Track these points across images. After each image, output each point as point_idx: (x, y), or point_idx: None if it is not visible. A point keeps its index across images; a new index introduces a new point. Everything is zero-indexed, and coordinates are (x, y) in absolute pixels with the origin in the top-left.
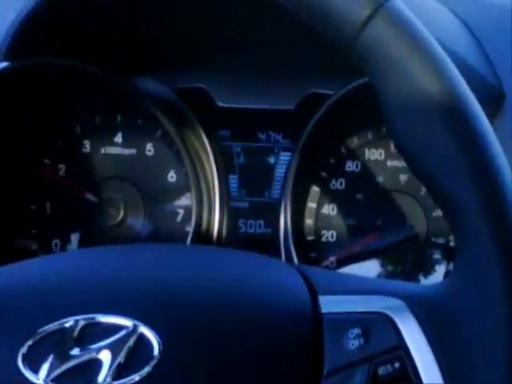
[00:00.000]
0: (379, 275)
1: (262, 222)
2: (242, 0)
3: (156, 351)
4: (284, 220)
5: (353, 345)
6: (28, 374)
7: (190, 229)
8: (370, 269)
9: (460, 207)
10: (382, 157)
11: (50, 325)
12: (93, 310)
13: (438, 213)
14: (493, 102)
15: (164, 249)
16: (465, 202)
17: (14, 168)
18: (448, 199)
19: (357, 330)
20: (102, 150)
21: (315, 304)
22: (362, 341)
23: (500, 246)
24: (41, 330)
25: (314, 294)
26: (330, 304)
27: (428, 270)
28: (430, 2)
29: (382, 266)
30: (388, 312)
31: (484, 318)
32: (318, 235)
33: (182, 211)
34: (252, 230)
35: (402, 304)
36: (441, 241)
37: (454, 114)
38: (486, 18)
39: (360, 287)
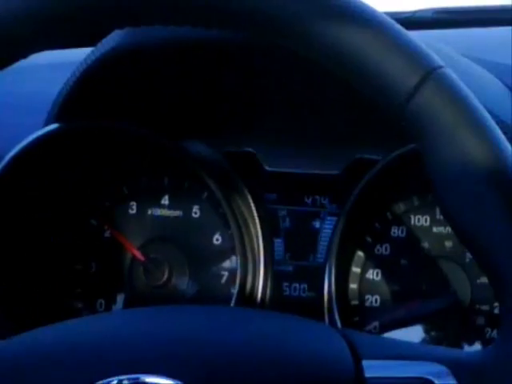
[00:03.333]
0: (422, 341)
1: (306, 286)
2: (291, 66)
3: None
4: (328, 284)
5: None
6: None
7: (235, 291)
8: (413, 335)
9: (507, 279)
10: (428, 223)
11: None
12: (137, 370)
13: (483, 280)
14: None
15: (209, 311)
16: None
17: (61, 228)
18: (495, 269)
19: None
20: (149, 212)
21: (359, 368)
22: None
23: None
24: None
25: (357, 359)
26: (373, 368)
27: (472, 337)
28: (475, 68)
29: (426, 332)
30: (431, 378)
31: None
32: (362, 300)
33: (226, 273)
34: (296, 294)
35: (446, 370)
36: (485, 308)
37: (503, 185)
38: None
39: (404, 352)
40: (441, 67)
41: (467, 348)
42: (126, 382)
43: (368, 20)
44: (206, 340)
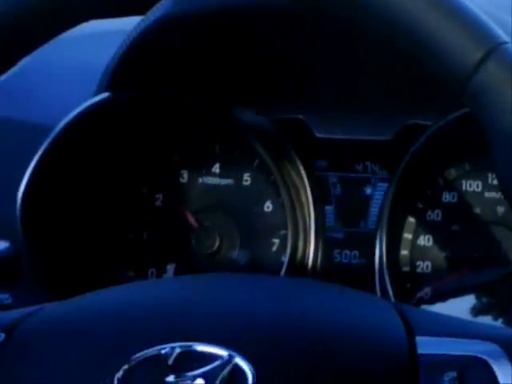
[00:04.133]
0: (474, 310)
1: (357, 253)
2: (342, 32)
3: (250, 382)
4: (379, 251)
5: None
6: None
7: (285, 259)
8: (465, 303)
9: None
10: (480, 188)
11: (146, 350)
12: (189, 337)
13: None
14: None
15: (261, 280)
16: None
17: (112, 196)
18: None
19: (452, 374)
20: (200, 180)
21: (412, 344)
22: None
23: None
24: (137, 355)
25: (411, 334)
26: (426, 345)
27: None
28: None
29: (478, 300)
30: (485, 357)
31: None
32: (414, 266)
33: (277, 241)
34: (347, 261)
35: (500, 350)
36: None
37: None
38: None
39: (458, 330)
40: (506, 43)
41: None
42: (178, 349)
43: None
44: (257, 310)
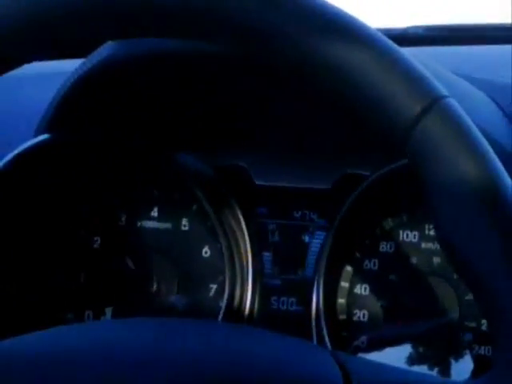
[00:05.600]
0: (410, 360)
1: (294, 300)
2: (283, 81)
3: None
4: (316, 298)
5: None
6: None
7: (223, 304)
8: (400, 353)
9: (496, 304)
10: (416, 239)
11: None
12: (117, 381)
13: (471, 297)
14: None
15: (198, 326)
16: (502, 298)
17: (49, 238)
18: (483, 289)
19: None
20: (138, 224)
21: None
22: None
23: None
24: None
25: (348, 382)
26: None
27: (460, 354)
28: (470, 88)
29: (413, 349)
30: None
31: None
32: (350, 314)
33: (215, 286)
34: (284, 308)
35: None
36: (473, 324)
37: (497, 208)
38: None
39: (395, 379)
40: (446, 97)
41: (455, 366)
42: None
43: (373, 44)
44: (190, 354)
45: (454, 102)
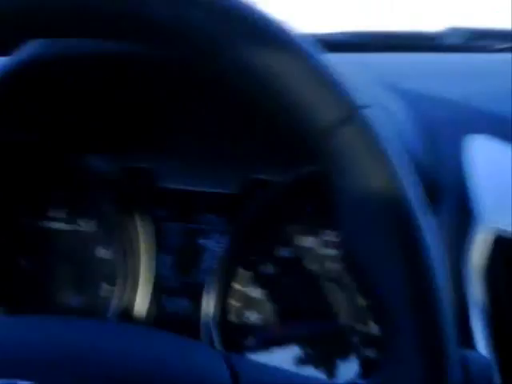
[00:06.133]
0: (299, 360)
1: (186, 302)
2: (194, 83)
3: None
4: (207, 301)
5: None
6: None
7: (116, 304)
8: (290, 353)
9: (391, 317)
10: (314, 244)
11: None
12: (15, 375)
13: (361, 301)
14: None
15: (86, 324)
16: (395, 312)
17: None
18: (377, 296)
19: None
20: (36, 223)
21: None
22: None
23: (424, 358)
24: None
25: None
26: None
27: (347, 356)
28: (391, 98)
29: (303, 350)
30: None
31: None
32: (242, 317)
33: (107, 287)
34: (176, 310)
35: None
36: (362, 328)
37: (400, 223)
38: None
39: (283, 381)
40: (364, 107)
41: (343, 367)
42: None
43: (292, 48)
44: (75, 354)
45: (369, 114)
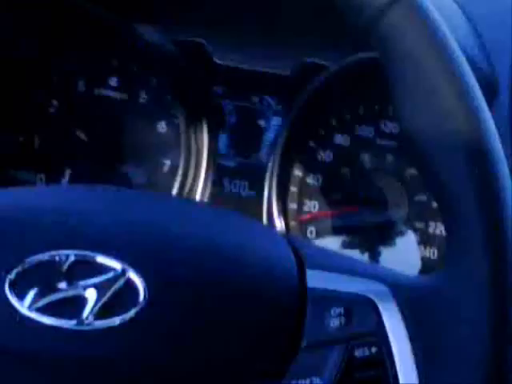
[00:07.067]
0: (356, 252)
1: (246, 184)
2: None
3: (141, 298)
4: (269, 185)
5: (333, 323)
6: (13, 301)
7: (176, 181)
8: (348, 244)
9: (454, 200)
10: (372, 134)
11: (40, 255)
12: (85, 247)
13: (421, 197)
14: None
15: (158, 198)
16: (459, 195)
17: (6, 99)
18: (442, 190)
19: (339, 310)
20: (96, 91)
21: (302, 277)
22: (342, 320)
23: (491, 252)
24: (31, 258)
25: (301, 267)
26: (316, 279)
27: (404, 253)
28: None
29: (360, 242)
30: (372, 296)
31: (467, 322)
32: (301, 204)
33: (169, 162)
34: (236, 190)
35: (388, 291)
36: (420, 225)
37: (458, 107)
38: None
39: (349, 267)
40: None
41: (400, 264)
42: (72, 257)
43: None
44: (154, 227)
45: None
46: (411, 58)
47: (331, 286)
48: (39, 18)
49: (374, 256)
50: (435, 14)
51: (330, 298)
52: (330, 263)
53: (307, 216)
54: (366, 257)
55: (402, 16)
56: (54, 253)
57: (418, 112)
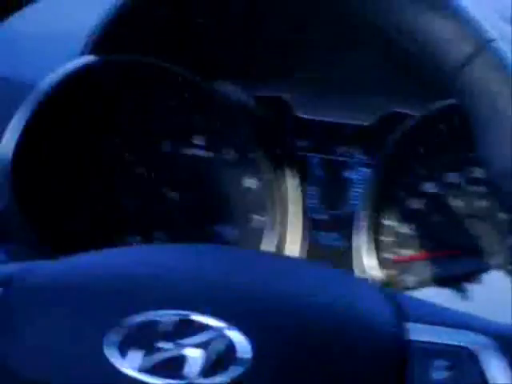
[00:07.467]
0: (454, 300)
1: (338, 236)
2: (332, 14)
3: (245, 356)
4: (360, 235)
5: (437, 376)
6: (115, 362)
7: (266, 237)
8: (445, 293)
9: None
10: (461, 180)
11: (142, 315)
12: (186, 306)
13: None
14: None
15: (253, 255)
16: None
17: (94, 161)
18: None
19: (442, 362)
20: (182, 151)
21: (404, 330)
22: (446, 373)
23: None
24: (132, 318)
25: (403, 320)
26: (418, 332)
27: (503, 298)
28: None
29: (458, 291)
30: (476, 348)
31: None
32: (394, 253)
33: (258, 218)
34: (328, 243)
35: (492, 343)
36: None
37: None
38: None
39: (450, 319)
40: (493, 40)
41: (496, 310)
42: (174, 317)
43: None
44: (253, 284)
45: (500, 46)
46: (494, 107)
47: (434, 339)
48: (127, 84)
49: (473, 304)
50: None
51: (433, 351)
52: (430, 315)
53: (402, 258)
54: (464, 305)
55: (484, 67)
56: (154, 312)
57: (505, 158)
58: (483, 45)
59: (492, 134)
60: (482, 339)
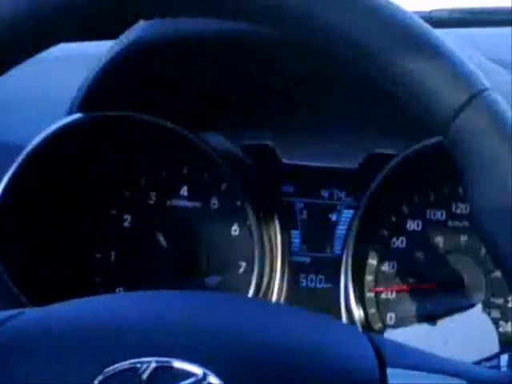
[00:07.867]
0: (436, 339)
1: (322, 277)
2: (311, 61)
3: None
4: (345, 276)
5: None
6: None
7: (252, 281)
8: (427, 330)
9: None
10: (443, 217)
11: (121, 363)
12: (164, 353)
13: (497, 274)
14: None
15: (234, 300)
16: None
17: (81, 217)
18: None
19: None
20: (168, 203)
21: (383, 375)
22: None
23: None
24: (111, 367)
25: (382, 365)
26: (397, 377)
27: (486, 332)
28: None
29: (439, 328)
30: None
31: None
32: (375, 291)
33: (244, 264)
34: (313, 285)
35: None
36: (499, 301)
37: None
38: None
39: (428, 364)
40: (486, 89)
41: (481, 345)
42: (153, 364)
43: (417, 35)
44: (232, 330)
45: (496, 95)
46: (485, 155)
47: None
48: (112, 139)
49: (454, 341)
50: (507, 113)
51: None
52: (410, 361)
53: (382, 289)
54: (444, 341)
55: (474, 117)
56: (134, 360)
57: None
58: (476, 94)
59: (480, 183)
60: (458, 383)
